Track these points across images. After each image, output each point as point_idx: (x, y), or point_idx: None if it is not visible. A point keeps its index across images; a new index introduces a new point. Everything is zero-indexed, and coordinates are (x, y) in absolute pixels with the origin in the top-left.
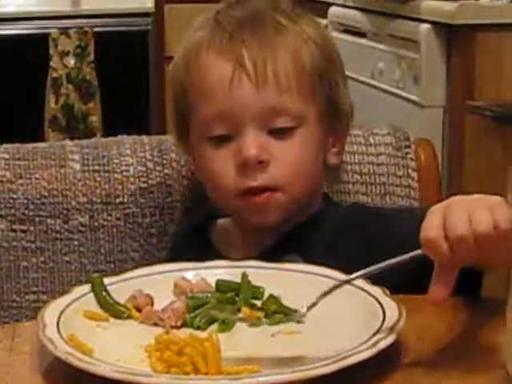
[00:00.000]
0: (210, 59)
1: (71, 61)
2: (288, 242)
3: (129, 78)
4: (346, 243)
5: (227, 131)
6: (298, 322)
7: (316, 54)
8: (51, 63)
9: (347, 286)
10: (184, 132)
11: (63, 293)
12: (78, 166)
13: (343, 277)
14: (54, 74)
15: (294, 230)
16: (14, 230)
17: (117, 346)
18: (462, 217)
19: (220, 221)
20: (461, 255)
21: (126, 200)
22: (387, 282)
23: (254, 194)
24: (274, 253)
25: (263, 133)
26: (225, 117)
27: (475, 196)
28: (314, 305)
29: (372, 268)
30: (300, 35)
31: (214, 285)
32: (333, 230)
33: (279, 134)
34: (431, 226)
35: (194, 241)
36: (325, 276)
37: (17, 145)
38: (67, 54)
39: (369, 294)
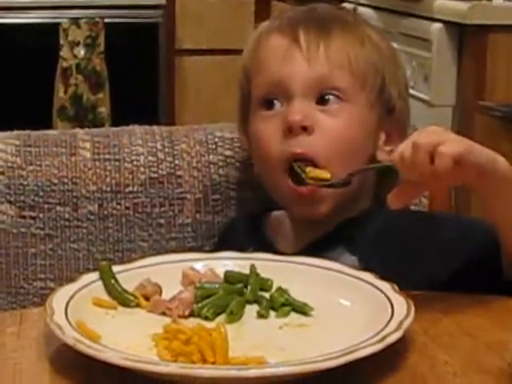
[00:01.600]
0: (268, 39)
1: (81, 51)
2: (336, 236)
3: (138, 70)
4: (389, 244)
5: (277, 97)
6: (306, 314)
7: (373, 52)
8: (61, 53)
9: (357, 281)
10: (246, 117)
11: (71, 280)
12: (88, 155)
13: (352, 271)
14: (64, 64)
15: (343, 224)
16: (24, 217)
17: (124, 333)
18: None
19: (274, 213)
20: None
21: (135, 189)
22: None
23: (299, 183)
24: (321, 245)
25: (311, 103)
26: (277, 86)
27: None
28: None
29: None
30: (360, 33)
31: (222, 276)
32: (379, 230)
33: (326, 105)
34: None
35: (247, 232)
36: (333, 270)
37: (28, 131)
38: (77, 44)
39: (377, 288)
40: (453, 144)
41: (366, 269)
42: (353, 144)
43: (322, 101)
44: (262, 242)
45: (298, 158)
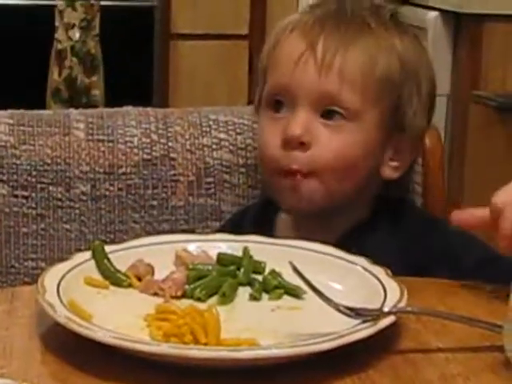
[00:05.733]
0: (290, 36)
1: (76, 34)
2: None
3: (133, 54)
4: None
5: (284, 100)
6: (299, 297)
7: (393, 64)
8: (56, 35)
9: (349, 265)
10: (259, 104)
11: (62, 260)
12: (82, 135)
13: (344, 254)
14: (59, 46)
15: (344, 235)
16: (16, 196)
17: (116, 313)
18: None
19: (278, 220)
20: None
21: (128, 171)
22: None
23: (289, 175)
24: None
25: (316, 115)
26: (285, 89)
27: None
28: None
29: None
30: (384, 42)
31: (215, 258)
32: (378, 244)
33: (330, 120)
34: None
35: (258, 224)
36: (326, 254)
37: (21, 111)
38: (72, 26)
39: (370, 273)
40: None
41: None
42: (351, 163)
43: (326, 114)
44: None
45: (292, 172)
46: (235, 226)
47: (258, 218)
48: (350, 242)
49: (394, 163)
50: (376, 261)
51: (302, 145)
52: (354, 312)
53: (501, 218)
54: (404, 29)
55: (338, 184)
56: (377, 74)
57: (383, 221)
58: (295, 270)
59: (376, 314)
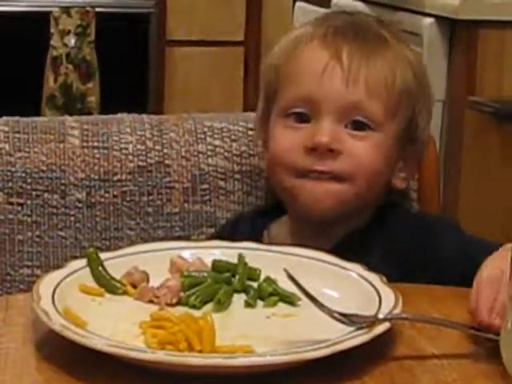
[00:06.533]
0: (309, 47)
1: (72, 40)
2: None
3: (129, 60)
4: (389, 262)
5: (307, 111)
6: (294, 305)
7: (409, 77)
8: (52, 42)
9: (344, 272)
10: (266, 116)
11: (57, 268)
12: (77, 142)
13: (339, 261)
14: (54, 53)
15: (345, 238)
16: (11, 203)
17: (111, 321)
18: None
19: (274, 224)
20: None
21: (123, 178)
22: None
23: (315, 179)
24: None
25: (341, 125)
26: (309, 100)
27: None
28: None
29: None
30: (399, 54)
31: (210, 265)
32: (379, 247)
33: (355, 129)
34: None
35: (253, 231)
36: (321, 261)
37: (17, 118)
38: (68, 33)
39: (365, 280)
40: None
41: None
42: (375, 172)
43: (351, 125)
44: None
45: (319, 173)
46: (229, 233)
47: (252, 224)
48: (345, 249)
49: (403, 174)
50: (371, 267)
51: (331, 152)
52: (348, 319)
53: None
54: (406, 41)
55: (359, 192)
56: (397, 86)
57: (379, 228)
58: (290, 276)
59: (371, 321)
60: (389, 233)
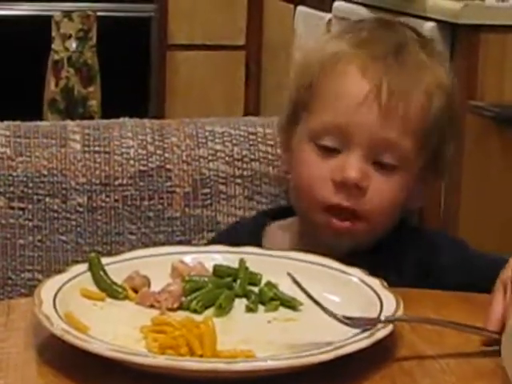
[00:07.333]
0: (349, 71)
1: (73, 44)
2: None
3: (130, 64)
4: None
5: (336, 145)
6: (295, 309)
7: (443, 102)
8: (53, 46)
9: (345, 277)
10: (291, 127)
11: (59, 272)
12: (78, 147)
13: (339, 266)
14: (56, 57)
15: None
16: (12, 208)
17: (112, 325)
18: None
19: (273, 225)
20: None
21: (125, 182)
22: None
23: (338, 215)
24: None
25: (369, 160)
26: (340, 131)
27: None
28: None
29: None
30: (436, 78)
31: (211, 269)
32: (386, 257)
33: (381, 168)
34: None
35: (254, 236)
36: (322, 265)
37: (18, 122)
38: (69, 37)
39: (366, 284)
40: None
41: None
42: (397, 205)
43: (379, 160)
44: None
45: (340, 208)
46: (230, 238)
47: (253, 230)
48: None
49: (420, 199)
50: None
51: (359, 189)
52: (351, 321)
53: None
54: (440, 55)
55: (383, 225)
56: (431, 116)
57: (384, 242)
58: (294, 280)
59: (373, 323)
60: (396, 248)
